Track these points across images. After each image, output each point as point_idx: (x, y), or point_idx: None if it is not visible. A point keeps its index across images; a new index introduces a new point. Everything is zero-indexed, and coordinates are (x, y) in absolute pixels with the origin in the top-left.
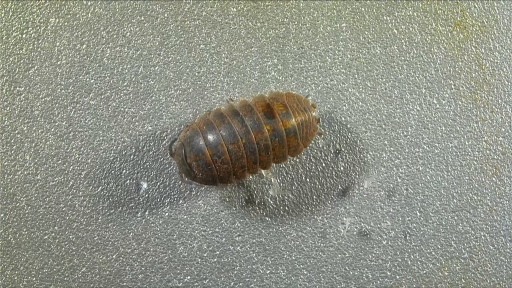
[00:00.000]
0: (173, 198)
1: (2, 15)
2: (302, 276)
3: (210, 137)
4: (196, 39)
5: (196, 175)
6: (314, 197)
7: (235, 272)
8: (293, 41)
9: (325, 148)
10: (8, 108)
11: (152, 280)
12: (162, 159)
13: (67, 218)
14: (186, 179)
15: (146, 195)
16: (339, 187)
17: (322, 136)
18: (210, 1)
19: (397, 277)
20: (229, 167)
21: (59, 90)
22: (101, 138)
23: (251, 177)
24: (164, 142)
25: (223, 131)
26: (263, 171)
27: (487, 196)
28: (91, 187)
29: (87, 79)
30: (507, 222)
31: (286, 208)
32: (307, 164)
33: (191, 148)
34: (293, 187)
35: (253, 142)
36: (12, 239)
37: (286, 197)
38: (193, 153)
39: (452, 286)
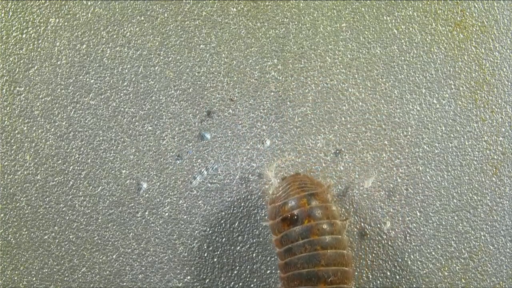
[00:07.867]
0: (173, 198)
1: (2, 15)
2: None
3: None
4: (196, 39)
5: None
6: None
7: (235, 272)
8: (293, 41)
9: (325, 148)
10: (8, 108)
11: (152, 280)
12: (162, 159)
13: (67, 218)
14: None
15: (146, 195)
16: (339, 187)
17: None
18: (210, 1)
19: (397, 277)
20: None
21: (59, 90)
22: (101, 138)
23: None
24: (164, 142)
25: None
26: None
27: (487, 196)
28: (91, 187)
29: (87, 79)
30: (507, 222)
31: None
32: (307, 164)
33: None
34: None
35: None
36: (12, 239)
37: None
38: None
39: (452, 286)
